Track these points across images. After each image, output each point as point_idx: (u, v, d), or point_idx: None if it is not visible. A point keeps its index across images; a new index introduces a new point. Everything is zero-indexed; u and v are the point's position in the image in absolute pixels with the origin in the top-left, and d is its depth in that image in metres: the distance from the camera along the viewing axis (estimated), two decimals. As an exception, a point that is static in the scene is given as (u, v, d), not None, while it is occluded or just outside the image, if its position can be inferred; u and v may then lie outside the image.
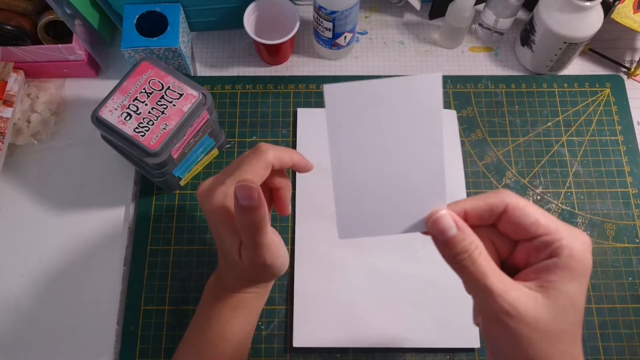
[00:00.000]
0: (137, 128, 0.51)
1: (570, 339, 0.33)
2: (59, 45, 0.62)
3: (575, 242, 0.33)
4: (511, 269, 0.35)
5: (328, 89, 0.32)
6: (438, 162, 0.33)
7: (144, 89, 0.52)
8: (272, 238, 0.42)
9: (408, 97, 0.32)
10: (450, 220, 0.33)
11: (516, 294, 0.32)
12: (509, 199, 0.34)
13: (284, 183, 0.46)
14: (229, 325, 0.46)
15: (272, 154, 0.43)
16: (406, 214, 0.34)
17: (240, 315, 0.47)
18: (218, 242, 0.45)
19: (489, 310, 0.32)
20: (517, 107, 0.67)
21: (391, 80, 0.32)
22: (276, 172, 0.45)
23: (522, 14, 0.72)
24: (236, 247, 0.42)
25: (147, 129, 0.51)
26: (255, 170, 0.42)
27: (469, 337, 0.55)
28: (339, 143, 0.33)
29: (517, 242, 0.35)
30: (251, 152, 0.43)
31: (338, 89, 0.32)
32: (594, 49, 0.70)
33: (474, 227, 0.34)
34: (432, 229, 0.34)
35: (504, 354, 0.34)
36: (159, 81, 0.52)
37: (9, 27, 0.62)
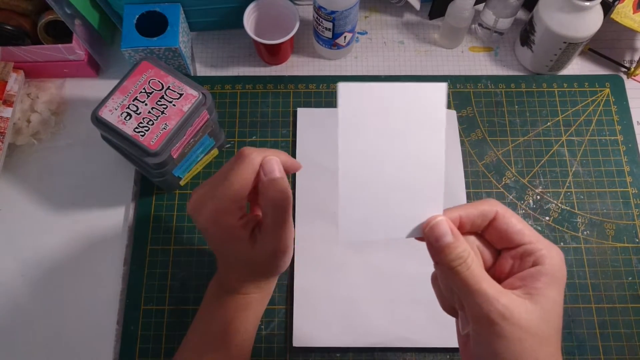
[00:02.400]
0: (137, 128, 0.51)
1: (556, 343, 0.34)
2: (59, 45, 0.62)
3: (553, 252, 0.35)
4: (494, 279, 0.36)
5: (343, 87, 0.33)
6: (438, 170, 0.34)
7: (144, 88, 0.52)
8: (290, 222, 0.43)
9: (414, 103, 0.33)
10: (446, 227, 0.34)
11: (508, 299, 0.33)
12: (498, 207, 0.36)
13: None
14: (231, 327, 0.46)
15: (257, 157, 0.42)
16: (404, 219, 0.35)
17: (243, 317, 0.47)
18: (218, 247, 0.45)
19: (482, 314, 0.33)
20: (516, 107, 0.67)
21: (400, 85, 0.33)
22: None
23: (521, 14, 0.72)
24: (246, 239, 0.42)
25: (147, 128, 0.51)
26: (243, 177, 0.42)
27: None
28: (349, 142, 0.34)
29: (500, 253, 0.37)
30: (236, 158, 0.43)
31: (352, 88, 0.33)
32: (594, 49, 0.70)
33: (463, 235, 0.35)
34: (428, 234, 0.35)
35: (493, 358, 0.34)
36: (159, 81, 0.52)
37: (9, 27, 0.62)
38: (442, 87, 0.33)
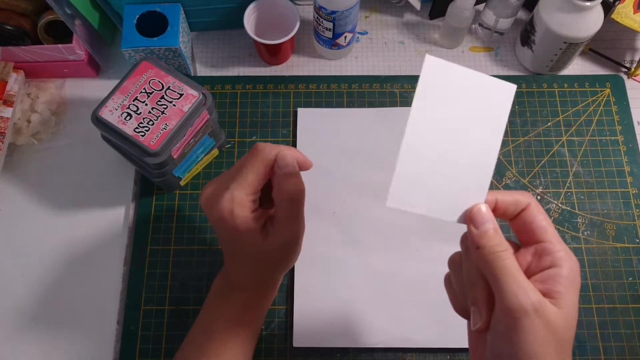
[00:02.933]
0: (137, 128, 0.51)
1: (570, 350, 0.35)
2: (59, 45, 0.62)
3: (573, 258, 0.35)
4: None
5: (429, 60, 0.35)
6: (490, 162, 0.37)
7: (144, 88, 0.52)
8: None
9: (487, 95, 0.36)
10: (491, 214, 0.36)
11: (539, 296, 0.33)
12: (532, 200, 0.37)
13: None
14: (236, 326, 0.46)
15: (272, 152, 0.43)
16: (450, 203, 0.36)
17: (248, 315, 0.47)
18: (230, 241, 0.45)
19: (517, 304, 0.32)
20: (517, 107, 0.66)
21: (479, 75, 0.36)
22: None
23: (522, 14, 0.72)
24: (258, 232, 0.42)
25: (147, 129, 0.51)
26: (257, 170, 0.42)
27: (469, 337, 0.55)
28: (421, 112, 0.35)
29: (519, 249, 0.37)
30: (250, 153, 0.44)
31: (438, 63, 0.35)
32: (594, 49, 0.70)
33: None
34: (474, 217, 0.36)
35: (515, 355, 0.33)
36: (159, 81, 0.52)
37: (9, 27, 0.62)
38: (512, 88, 0.36)
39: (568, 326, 0.33)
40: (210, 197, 0.43)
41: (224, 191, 0.42)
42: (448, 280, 0.40)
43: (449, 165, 0.36)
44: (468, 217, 0.36)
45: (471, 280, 0.37)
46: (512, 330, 0.33)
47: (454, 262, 0.39)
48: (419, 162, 0.36)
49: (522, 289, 0.33)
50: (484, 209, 0.36)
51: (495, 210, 0.37)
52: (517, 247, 0.38)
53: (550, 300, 0.33)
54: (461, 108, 0.36)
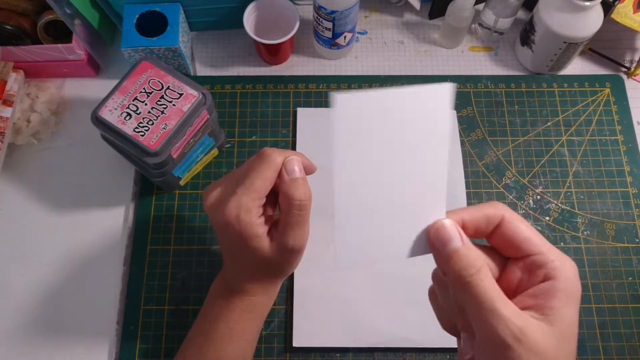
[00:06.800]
0: (137, 128, 0.51)
1: None
2: (59, 45, 0.62)
3: (567, 264, 0.32)
4: None
5: (338, 100, 0.30)
6: (440, 176, 0.32)
7: (144, 88, 0.52)
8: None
9: (416, 108, 0.31)
10: (454, 230, 0.31)
11: (524, 321, 0.29)
12: (505, 210, 0.33)
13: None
14: (236, 328, 0.46)
15: (279, 157, 0.43)
16: (406, 239, 0.33)
17: (248, 318, 0.47)
18: (234, 245, 0.44)
19: (495, 336, 0.29)
20: (517, 107, 0.67)
21: (399, 91, 0.31)
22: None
23: (522, 14, 0.72)
24: (264, 236, 0.43)
25: (147, 128, 0.51)
26: (264, 175, 0.42)
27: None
28: (344, 157, 0.31)
29: (506, 264, 0.34)
30: (257, 157, 0.43)
31: (348, 99, 0.30)
32: (594, 49, 0.70)
33: None
34: (434, 239, 0.32)
35: None
36: (158, 81, 0.52)
37: (9, 27, 0.62)
38: (446, 88, 0.31)
39: (564, 344, 0.30)
40: (216, 201, 0.43)
41: (230, 196, 0.42)
42: (433, 294, 0.37)
43: (395, 201, 0.32)
44: (429, 241, 0.32)
45: (449, 304, 0.34)
46: (493, 357, 0.30)
47: (439, 276, 0.36)
48: (359, 214, 0.32)
49: (500, 319, 0.29)
50: (446, 223, 0.31)
51: (465, 231, 0.32)
52: (503, 262, 0.34)
53: (541, 317, 0.30)
54: (390, 133, 0.31)
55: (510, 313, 0.29)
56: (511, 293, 0.32)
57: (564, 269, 0.31)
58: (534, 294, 0.31)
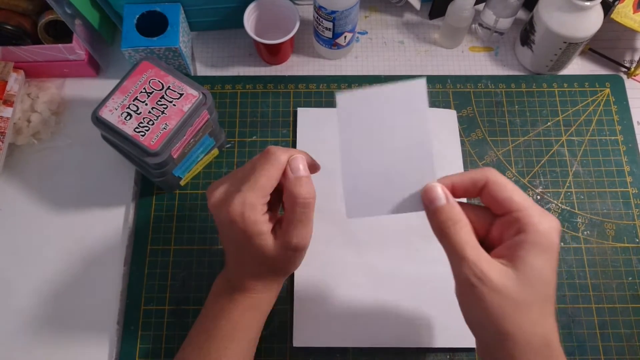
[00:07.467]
0: (137, 128, 0.51)
1: (540, 311, 0.36)
2: (59, 45, 0.62)
3: (544, 221, 0.36)
4: (488, 247, 0.38)
5: (340, 96, 0.41)
6: (427, 149, 0.40)
7: (144, 88, 0.52)
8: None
9: (400, 100, 0.40)
10: (440, 191, 0.38)
11: (488, 265, 0.35)
12: (490, 174, 0.38)
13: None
14: (238, 327, 0.46)
15: (283, 156, 0.43)
16: (404, 196, 0.40)
17: (251, 316, 0.47)
18: (238, 243, 0.44)
19: (462, 277, 0.35)
20: (517, 106, 0.67)
21: (385, 88, 0.41)
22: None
23: (522, 14, 0.72)
24: (268, 234, 0.43)
25: (147, 128, 0.51)
26: (269, 173, 0.42)
27: (469, 337, 0.55)
28: (348, 140, 0.41)
29: (494, 221, 0.39)
30: (262, 155, 0.44)
31: (349, 97, 0.41)
32: (594, 49, 0.70)
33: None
34: (424, 198, 0.39)
35: (476, 321, 0.37)
36: (159, 81, 0.52)
37: (9, 27, 0.62)
38: (421, 82, 0.40)
39: (527, 287, 0.35)
40: (220, 199, 0.43)
41: (235, 193, 0.42)
42: None
43: (393, 170, 0.40)
44: (422, 197, 0.39)
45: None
46: (468, 298, 0.36)
47: None
48: (362, 177, 0.41)
49: (467, 263, 0.35)
50: (434, 185, 0.38)
51: (454, 192, 0.39)
52: (493, 219, 0.39)
53: (508, 264, 0.35)
54: (384, 119, 0.41)
55: (476, 258, 0.35)
56: (496, 245, 0.38)
57: (536, 223, 0.36)
58: (508, 246, 0.36)
